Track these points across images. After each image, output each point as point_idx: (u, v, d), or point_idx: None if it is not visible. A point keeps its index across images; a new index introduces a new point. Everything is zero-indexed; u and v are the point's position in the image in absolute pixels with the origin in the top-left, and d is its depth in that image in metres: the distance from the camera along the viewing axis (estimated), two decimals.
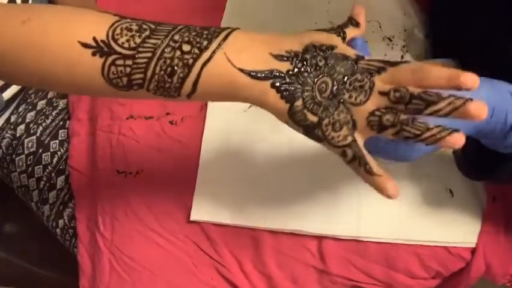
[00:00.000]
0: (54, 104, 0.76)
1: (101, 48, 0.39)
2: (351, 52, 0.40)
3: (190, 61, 0.38)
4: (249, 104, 0.65)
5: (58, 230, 0.72)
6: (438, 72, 0.36)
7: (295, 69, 0.39)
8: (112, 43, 0.39)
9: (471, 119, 0.34)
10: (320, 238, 0.61)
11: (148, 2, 0.79)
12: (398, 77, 0.38)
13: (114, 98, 0.69)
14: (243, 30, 0.41)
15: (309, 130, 0.39)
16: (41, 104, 0.77)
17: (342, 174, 0.62)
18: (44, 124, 0.75)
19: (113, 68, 0.39)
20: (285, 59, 0.39)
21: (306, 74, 0.39)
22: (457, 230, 0.60)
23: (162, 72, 0.39)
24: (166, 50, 0.39)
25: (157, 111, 0.67)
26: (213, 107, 0.66)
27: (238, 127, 0.65)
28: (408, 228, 0.60)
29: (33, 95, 0.78)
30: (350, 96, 0.38)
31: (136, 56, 0.39)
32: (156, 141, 0.66)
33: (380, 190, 0.37)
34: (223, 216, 0.61)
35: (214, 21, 0.73)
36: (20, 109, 0.77)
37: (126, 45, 0.39)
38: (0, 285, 0.92)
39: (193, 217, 0.62)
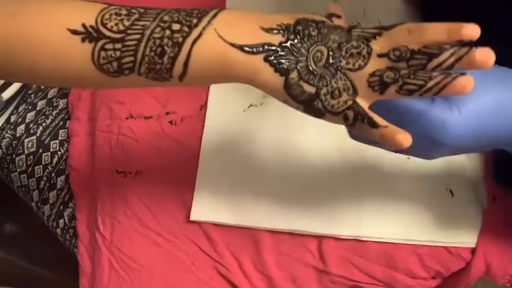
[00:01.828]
0: (55, 104, 0.76)
1: (90, 34, 0.39)
2: (343, 25, 0.40)
3: (180, 39, 0.38)
4: (248, 103, 0.66)
5: (59, 230, 0.72)
6: (437, 27, 0.36)
7: (288, 41, 0.38)
8: (101, 28, 0.38)
9: (477, 67, 0.34)
10: (320, 238, 0.60)
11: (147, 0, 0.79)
12: (395, 38, 0.37)
13: (111, 93, 0.68)
14: (232, 9, 0.40)
15: (308, 104, 0.39)
16: (41, 104, 0.77)
17: (343, 174, 0.62)
18: (44, 124, 0.74)
19: (103, 53, 0.39)
20: (276, 31, 0.39)
21: (299, 45, 0.38)
22: (457, 230, 0.60)
23: (152, 53, 0.38)
24: (155, 31, 0.38)
25: (156, 111, 0.67)
26: (213, 107, 0.66)
27: (238, 127, 0.65)
28: (408, 228, 0.60)
29: (33, 95, 0.78)
30: (348, 63, 0.38)
31: (126, 38, 0.38)
32: (156, 141, 0.66)
33: (390, 140, 0.37)
34: (223, 216, 0.61)
35: None
36: (20, 109, 0.77)
37: (115, 28, 0.38)
38: (0, 285, 0.92)
39: (192, 217, 0.61)
